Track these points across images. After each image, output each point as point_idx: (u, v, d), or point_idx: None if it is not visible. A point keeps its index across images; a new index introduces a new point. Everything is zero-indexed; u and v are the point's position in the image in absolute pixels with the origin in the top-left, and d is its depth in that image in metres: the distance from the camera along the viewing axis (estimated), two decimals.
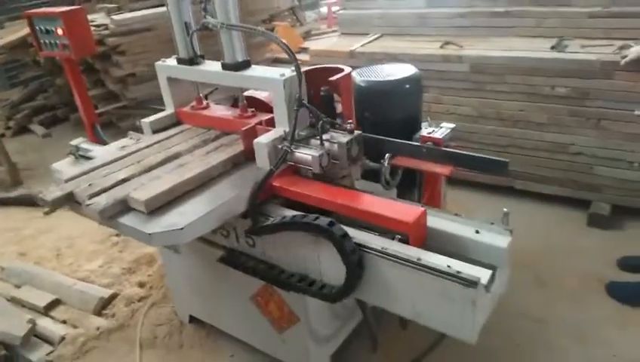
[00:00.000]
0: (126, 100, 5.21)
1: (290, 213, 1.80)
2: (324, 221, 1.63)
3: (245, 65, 2.07)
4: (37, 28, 3.00)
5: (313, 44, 6.55)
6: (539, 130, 3.23)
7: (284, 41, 1.87)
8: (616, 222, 3.12)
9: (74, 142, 2.68)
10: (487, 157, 1.94)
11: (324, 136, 1.83)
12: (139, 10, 5.48)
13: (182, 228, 1.61)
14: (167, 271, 2.69)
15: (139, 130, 2.98)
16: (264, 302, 2.14)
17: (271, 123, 2.03)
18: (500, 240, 1.58)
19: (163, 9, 5.41)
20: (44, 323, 2.71)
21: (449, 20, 3.80)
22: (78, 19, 2.87)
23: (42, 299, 2.87)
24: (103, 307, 2.85)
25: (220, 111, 2.31)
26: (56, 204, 1.81)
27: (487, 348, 2.34)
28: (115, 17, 5.10)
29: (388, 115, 2.41)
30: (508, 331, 2.44)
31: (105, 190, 1.79)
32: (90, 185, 1.83)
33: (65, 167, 2.67)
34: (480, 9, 3.70)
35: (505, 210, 1.62)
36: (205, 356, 2.49)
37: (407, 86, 2.43)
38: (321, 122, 1.84)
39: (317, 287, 1.78)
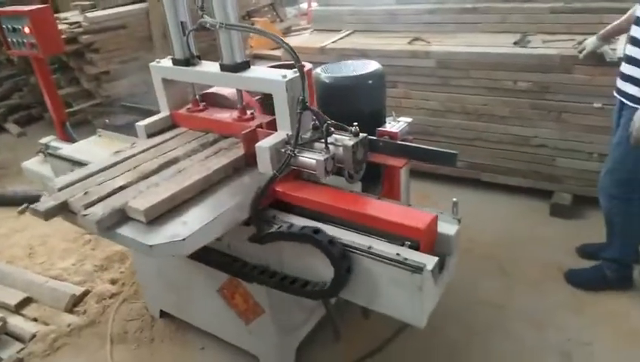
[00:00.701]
0: (100, 98, 5.21)
1: (295, 219, 1.75)
2: (324, 236, 1.60)
3: (244, 66, 2.01)
4: (4, 26, 3.00)
5: (292, 41, 6.58)
6: (503, 123, 3.32)
7: (285, 40, 1.83)
8: (576, 211, 3.23)
9: (43, 140, 2.71)
10: (438, 149, 2.00)
11: (329, 139, 1.78)
12: (113, 7, 5.46)
13: (184, 239, 1.54)
14: (138, 267, 2.73)
15: (109, 128, 3.00)
16: (230, 294, 2.19)
17: (272, 126, 1.99)
18: (448, 228, 1.65)
19: (137, 6, 5.42)
20: (15, 321, 2.73)
21: (418, 17, 3.87)
22: (45, 17, 2.89)
23: (13, 298, 2.88)
24: (74, 304, 2.87)
25: (217, 113, 2.24)
26: (50, 215, 1.70)
27: (447, 336, 2.43)
28: (88, 15, 5.08)
29: (351, 110, 2.44)
30: (468, 319, 2.52)
31: (101, 199, 1.71)
32: (85, 193, 1.75)
33: (35, 165, 2.68)
34: (448, 5, 3.77)
35: (454, 199, 1.68)
36: (176, 349, 2.53)
37: (370, 82, 2.48)
38: (325, 125, 1.78)
39: (278, 278, 1.83)
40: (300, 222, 1.73)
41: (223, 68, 2.02)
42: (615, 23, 2.66)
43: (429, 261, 1.50)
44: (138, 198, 1.68)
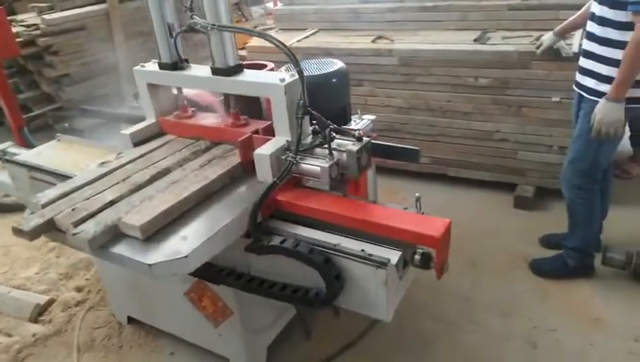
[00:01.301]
0: (61, 102, 5.07)
1: (296, 229, 1.69)
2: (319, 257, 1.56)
3: (237, 69, 1.92)
4: None
5: (255, 40, 6.54)
6: (466, 119, 3.39)
7: (281, 42, 1.73)
8: (539, 203, 3.32)
9: (0, 146, 2.62)
10: (401, 146, 2.03)
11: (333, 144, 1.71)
12: (71, 9, 5.32)
13: (187, 256, 1.44)
14: (103, 274, 2.67)
15: (70, 132, 2.94)
16: (197, 297, 2.17)
17: (268, 131, 1.92)
18: None
19: (97, 7, 5.30)
20: None
21: (381, 15, 3.91)
22: None
23: None
24: (39, 314, 2.79)
25: (208, 119, 2.15)
26: (36, 234, 1.58)
27: (417, 327, 2.47)
28: (46, 17, 4.94)
29: (316, 109, 2.47)
30: (437, 310, 2.57)
31: (92, 215, 1.60)
32: (73, 209, 1.63)
33: None
34: (410, 4, 3.82)
35: (417, 194, 1.70)
36: (145, 355, 2.49)
37: (334, 80, 2.48)
38: (328, 130, 1.71)
39: (245, 280, 1.82)
40: (302, 231, 1.67)
41: (215, 72, 1.92)
42: (570, 18, 2.74)
43: (393, 256, 1.52)
44: (132, 213, 1.58)
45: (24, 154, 2.45)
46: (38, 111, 5.13)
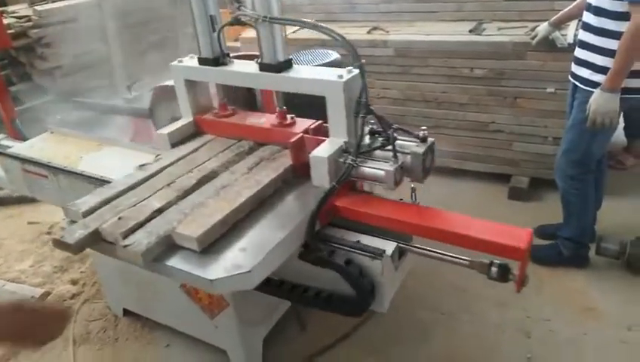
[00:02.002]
0: (54, 94, 5.02)
1: (354, 236, 1.60)
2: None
3: (287, 65, 1.79)
4: None
5: (251, 32, 6.49)
6: (462, 110, 3.39)
7: (340, 34, 1.62)
8: (533, 193, 3.33)
9: None
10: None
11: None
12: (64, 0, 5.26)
13: (250, 271, 1.33)
14: (98, 267, 2.66)
15: (64, 124, 2.91)
16: (193, 289, 2.17)
17: (318, 131, 1.82)
18: None
19: None
20: None
21: (376, 6, 3.89)
22: None
23: None
24: None
25: (250, 118, 2.02)
26: (80, 247, 1.46)
27: (414, 318, 2.48)
28: (37, 8, 4.88)
29: (311, 100, 2.46)
30: (434, 302, 2.58)
31: (140, 224, 1.48)
32: (119, 218, 1.50)
33: None
34: None
35: (412, 185, 1.70)
36: (141, 347, 2.49)
37: None
38: (392, 130, 1.60)
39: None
40: (362, 239, 1.59)
41: (263, 67, 1.79)
42: (566, 9, 2.74)
43: (389, 247, 1.53)
44: (186, 223, 1.46)
45: (17, 147, 2.44)
46: (31, 103, 5.07)
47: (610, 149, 3.14)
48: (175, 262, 1.40)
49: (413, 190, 1.68)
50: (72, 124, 3.09)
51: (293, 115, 1.93)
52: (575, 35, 2.79)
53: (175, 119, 2.40)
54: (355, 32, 3.66)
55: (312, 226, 1.54)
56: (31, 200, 3.21)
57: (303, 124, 1.87)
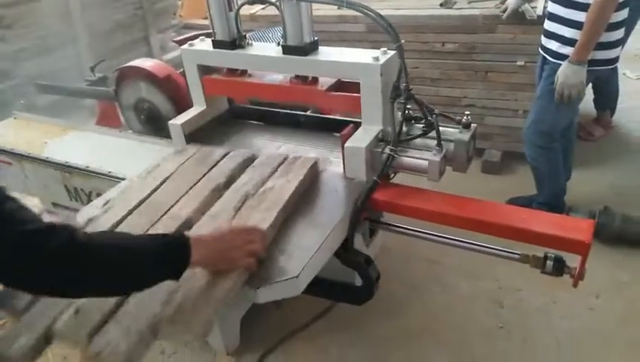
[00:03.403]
0: (18, 77, 4.86)
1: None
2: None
3: (313, 47, 1.67)
4: None
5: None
6: (434, 85, 3.38)
7: (379, 13, 1.53)
8: (505, 167, 3.38)
9: None
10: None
11: (432, 134, 1.48)
12: None
13: (297, 276, 1.25)
14: None
15: (30, 109, 2.83)
16: None
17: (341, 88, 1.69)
18: None
19: None
20: None
21: None
22: None
23: None
24: None
25: (268, 77, 1.88)
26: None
27: (386, 292, 2.49)
28: None
29: None
30: (406, 275, 2.61)
31: None
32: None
33: None
34: None
35: None
36: None
37: None
38: (435, 115, 1.48)
39: None
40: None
41: (287, 50, 1.66)
42: None
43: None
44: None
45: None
46: None
47: (579, 120, 3.19)
48: None
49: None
50: (37, 108, 3.02)
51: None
52: (545, 8, 2.80)
53: (141, 100, 2.36)
54: (325, 8, 3.60)
55: (354, 224, 1.47)
56: None
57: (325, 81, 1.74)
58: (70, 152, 2.10)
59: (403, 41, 1.50)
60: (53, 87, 3.39)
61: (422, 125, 1.57)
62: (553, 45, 2.40)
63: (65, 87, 3.35)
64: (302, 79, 1.76)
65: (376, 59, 1.52)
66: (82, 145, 2.21)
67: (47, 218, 0.99)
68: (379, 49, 1.62)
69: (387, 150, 1.48)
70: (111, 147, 2.20)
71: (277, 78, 1.83)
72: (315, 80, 1.75)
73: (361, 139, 1.54)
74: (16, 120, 2.56)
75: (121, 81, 2.40)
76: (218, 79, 1.89)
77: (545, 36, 2.48)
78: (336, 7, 3.35)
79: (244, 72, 1.91)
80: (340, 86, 1.70)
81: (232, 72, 1.92)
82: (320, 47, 1.70)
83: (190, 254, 1.10)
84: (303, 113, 2.15)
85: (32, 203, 2.99)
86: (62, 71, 4.74)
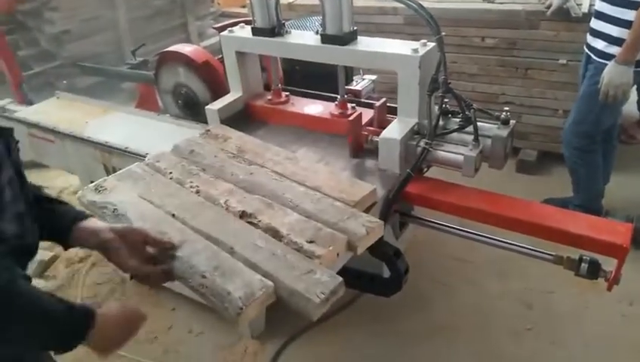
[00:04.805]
0: (62, 59, 5.01)
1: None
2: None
3: (352, 36, 1.66)
4: None
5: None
6: (471, 80, 3.33)
7: (418, 3, 1.50)
8: (541, 167, 3.30)
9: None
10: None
11: (469, 128, 1.45)
12: None
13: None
14: None
15: (71, 89, 2.91)
16: None
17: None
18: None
19: None
20: None
21: None
22: None
23: None
24: (43, 269, 2.85)
25: (308, 106, 1.92)
26: None
27: (414, 287, 2.47)
28: None
29: (316, 68, 2.43)
30: (435, 272, 2.59)
31: None
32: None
33: None
34: None
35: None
36: (148, 310, 2.48)
37: None
38: (473, 110, 1.46)
39: None
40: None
41: (326, 39, 1.66)
42: None
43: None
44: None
45: (23, 112, 2.45)
46: (39, 68, 5.06)
47: (622, 123, 3.09)
48: None
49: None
50: (79, 89, 3.10)
51: (354, 105, 1.82)
52: (591, 5, 2.72)
53: (179, 85, 2.40)
54: None
55: (384, 215, 1.47)
56: (37, 165, 3.24)
57: (365, 113, 1.74)
58: (110, 133, 2.16)
59: (444, 33, 1.47)
60: (97, 69, 3.48)
61: (459, 119, 1.55)
62: (599, 44, 2.33)
63: (107, 70, 3.44)
64: (342, 109, 1.81)
65: (416, 50, 1.51)
66: (122, 126, 2.27)
67: None
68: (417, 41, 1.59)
69: (422, 143, 1.48)
70: (149, 129, 2.25)
71: (318, 109, 1.89)
72: (354, 112, 1.75)
73: (396, 130, 1.53)
74: (59, 99, 2.64)
75: (161, 65, 2.44)
76: (261, 106, 1.95)
77: (591, 34, 2.41)
78: None
79: (286, 101, 1.97)
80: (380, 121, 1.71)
81: (277, 96, 1.98)
82: (359, 37, 1.68)
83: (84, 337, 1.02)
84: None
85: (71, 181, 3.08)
86: (102, 54, 4.86)
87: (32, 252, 1.11)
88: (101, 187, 1.54)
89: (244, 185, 1.53)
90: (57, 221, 1.22)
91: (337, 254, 1.24)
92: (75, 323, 1.01)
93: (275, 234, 1.34)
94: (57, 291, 2.69)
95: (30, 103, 2.72)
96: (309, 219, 1.35)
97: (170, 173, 1.61)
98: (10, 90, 3.73)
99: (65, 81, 3.24)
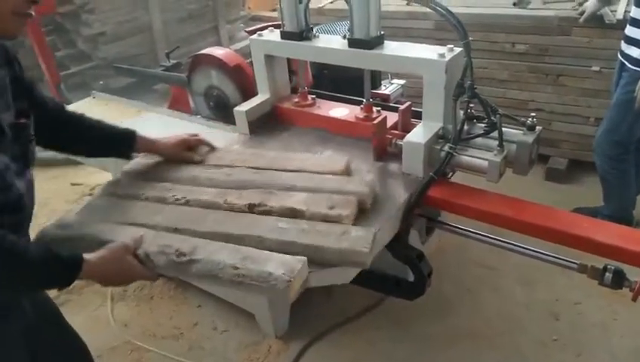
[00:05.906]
0: (97, 60, 5.15)
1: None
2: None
3: (379, 40, 1.67)
4: None
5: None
6: (502, 87, 3.30)
7: (448, 9, 1.51)
8: (571, 175, 3.25)
9: None
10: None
11: (494, 134, 1.46)
12: None
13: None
14: None
15: (106, 90, 3.00)
16: None
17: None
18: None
19: None
20: None
21: None
22: None
23: None
24: None
25: (334, 110, 1.95)
26: None
27: (439, 293, 2.48)
28: None
29: (345, 72, 2.44)
30: (460, 278, 2.58)
31: None
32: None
33: None
34: None
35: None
36: (175, 306, 2.60)
37: None
38: (498, 115, 1.45)
39: None
40: None
41: (353, 43, 1.67)
42: None
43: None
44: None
45: None
46: (75, 68, 5.22)
47: None
48: None
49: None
50: (112, 89, 3.18)
51: (379, 108, 1.86)
52: (626, 12, 2.67)
53: (211, 88, 2.45)
54: (394, 3, 3.60)
55: (406, 219, 1.48)
56: (74, 163, 3.34)
57: (390, 117, 1.77)
58: (144, 133, 2.20)
59: (471, 38, 1.48)
60: (131, 70, 3.57)
61: (484, 125, 1.55)
62: (634, 52, 2.29)
63: (142, 71, 3.53)
64: (367, 113, 1.84)
65: (442, 55, 1.51)
66: (155, 126, 2.33)
67: None
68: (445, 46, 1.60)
69: (446, 148, 1.48)
70: (181, 130, 2.29)
71: (344, 112, 1.93)
72: (379, 115, 1.79)
73: (420, 135, 1.54)
74: (95, 99, 2.73)
75: (194, 67, 2.50)
76: (288, 108, 1.99)
77: (625, 42, 2.37)
78: (405, 2, 3.33)
79: (312, 103, 2.02)
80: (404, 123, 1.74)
81: (304, 99, 2.03)
82: (385, 42, 1.70)
83: (78, 271, 1.21)
84: None
85: (105, 178, 3.17)
86: (136, 56, 4.98)
87: (20, 208, 1.21)
88: (66, 224, 1.51)
89: (231, 185, 1.53)
90: (117, 134, 1.63)
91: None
92: (64, 269, 1.20)
93: (293, 213, 1.40)
94: (87, 286, 2.77)
95: (67, 103, 2.81)
96: (314, 193, 1.44)
97: (142, 193, 1.58)
98: (48, 89, 3.88)
99: (102, 82, 3.34)
